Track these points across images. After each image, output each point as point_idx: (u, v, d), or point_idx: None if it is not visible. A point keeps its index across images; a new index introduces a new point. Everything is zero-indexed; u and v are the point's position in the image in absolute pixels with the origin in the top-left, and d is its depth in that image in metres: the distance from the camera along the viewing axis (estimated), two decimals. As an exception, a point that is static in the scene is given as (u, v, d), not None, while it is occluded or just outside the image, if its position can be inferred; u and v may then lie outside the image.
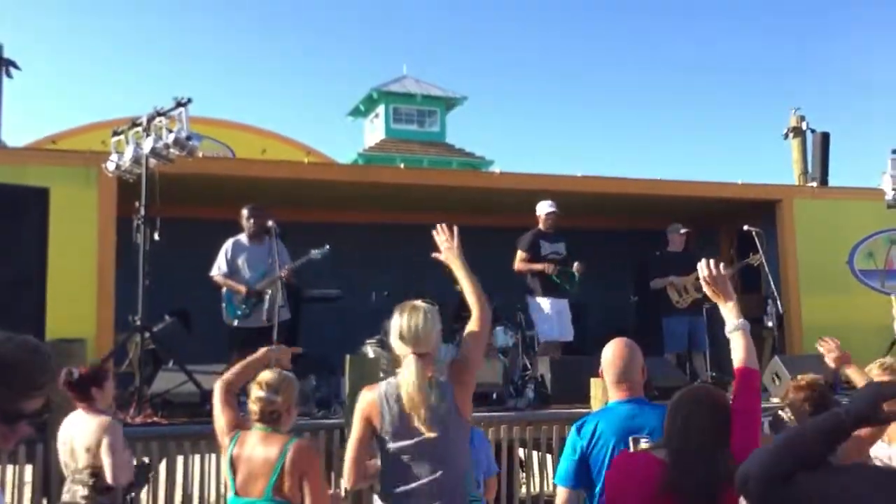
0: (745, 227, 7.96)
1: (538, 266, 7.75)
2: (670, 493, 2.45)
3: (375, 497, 3.12)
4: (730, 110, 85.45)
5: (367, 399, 2.99)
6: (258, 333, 6.65)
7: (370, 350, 6.73)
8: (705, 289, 2.84)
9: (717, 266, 2.85)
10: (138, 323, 5.92)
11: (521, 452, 6.64)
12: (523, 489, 6.56)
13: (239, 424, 3.12)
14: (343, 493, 3.28)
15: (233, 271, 6.77)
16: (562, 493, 3.18)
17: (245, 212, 6.84)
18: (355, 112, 27.19)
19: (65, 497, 3.93)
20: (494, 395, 6.29)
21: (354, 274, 9.09)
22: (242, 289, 6.66)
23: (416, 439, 2.87)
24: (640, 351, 3.34)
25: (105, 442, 3.83)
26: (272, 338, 6.16)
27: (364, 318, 8.11)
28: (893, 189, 7.50)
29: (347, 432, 5.39)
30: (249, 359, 3.31)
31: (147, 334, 5.98)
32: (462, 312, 10.00)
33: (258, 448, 3.02)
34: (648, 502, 2.50)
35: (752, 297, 9.65)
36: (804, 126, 13.56)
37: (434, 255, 3.26)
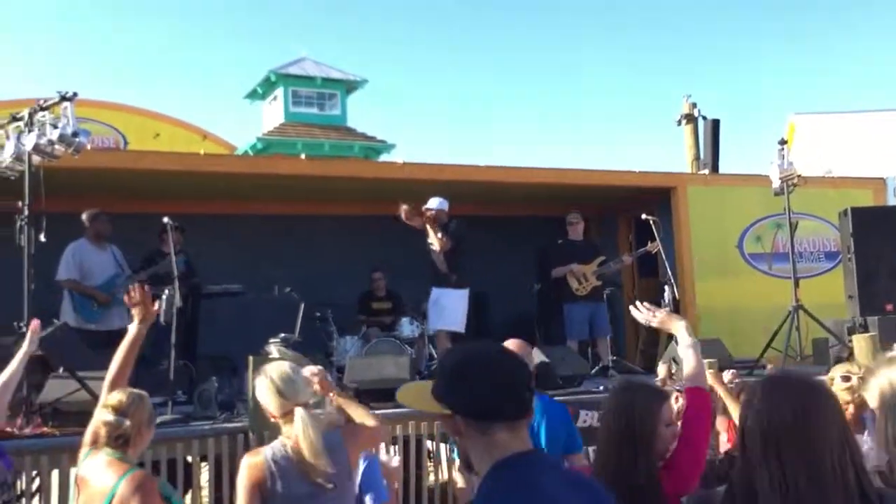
0: (643, 216, 8.18)
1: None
2: None
3: None
4: (626, 98, 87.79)
5: (252, 465, 2.90)
6: (110, 336, 6.66)
7: (274, 349, 6.55)
8: (652, 323, 2.87)
9: (651, 308, 2.87)
10: (24, 330, 5.58)
11: (429, 444, 6.65)
12: (431, 477, 6.58)
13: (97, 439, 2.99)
14: None
15: (82, 276, 6.82)
16: None
17: (86, 216, 6.94)
18: (253, 95, 26.41)
19: None
20: (402, 391, 6.24)
21: (258, 268, 8.85)
22: (101, 296, 6.81)
23: (312, 495, 2.81)
24: None
25: None
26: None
27: (268, 315, 7.92)
28: (780, 178, 7.83)
29: (252, 436, 5.30)
30: (123, 348, 3.26)
31: (34, 340, 5.68)
32: (366, 306, 9.87)
33: (99, 473, 2.90)
34: None
35: (649, 283, 9.94)
36: (696, 113, 14.03)
37: None
